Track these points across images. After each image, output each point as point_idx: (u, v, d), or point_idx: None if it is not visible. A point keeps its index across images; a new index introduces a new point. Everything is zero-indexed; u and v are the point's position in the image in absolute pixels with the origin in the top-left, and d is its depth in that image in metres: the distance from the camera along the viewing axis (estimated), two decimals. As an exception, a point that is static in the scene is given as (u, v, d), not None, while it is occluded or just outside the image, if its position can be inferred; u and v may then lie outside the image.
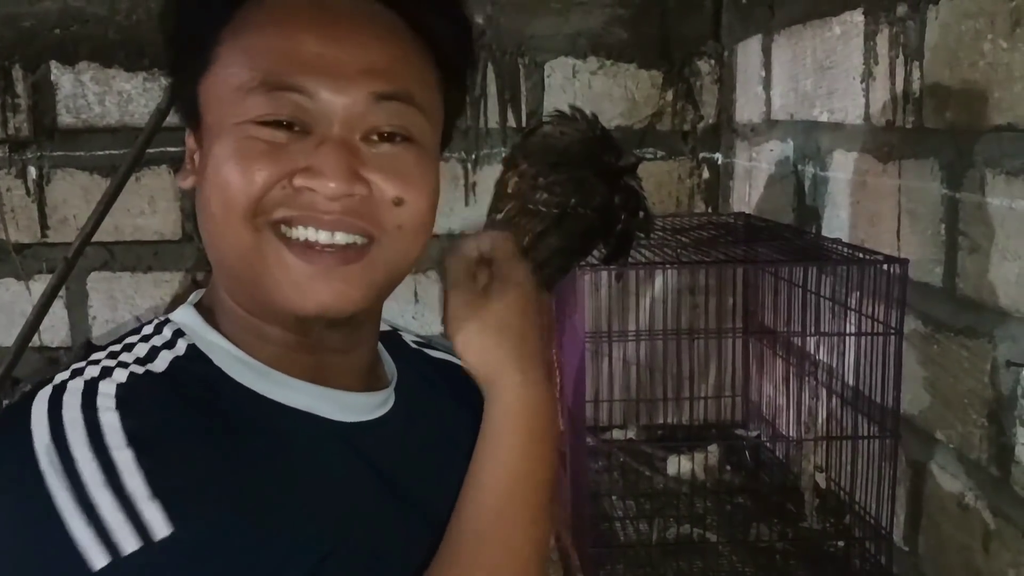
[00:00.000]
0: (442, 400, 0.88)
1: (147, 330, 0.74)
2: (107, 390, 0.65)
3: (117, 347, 0.72)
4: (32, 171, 1.86)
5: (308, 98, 0.67)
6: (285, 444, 0.72)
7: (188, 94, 0.72)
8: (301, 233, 0.68)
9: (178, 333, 0.74)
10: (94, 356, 0.71)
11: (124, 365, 0.69)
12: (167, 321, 0.75)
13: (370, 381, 0.80)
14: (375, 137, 0.69)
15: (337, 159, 0.67)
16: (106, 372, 0.67)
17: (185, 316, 0.75)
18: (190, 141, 0.75)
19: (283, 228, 0.68)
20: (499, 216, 1.19)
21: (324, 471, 0.73)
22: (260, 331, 0.74)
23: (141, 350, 0.72)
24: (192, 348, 0.73)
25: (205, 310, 0.76)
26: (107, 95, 1.85)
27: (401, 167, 0.70)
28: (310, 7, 0.70)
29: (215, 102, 0.70)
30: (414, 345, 0.93)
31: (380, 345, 0.84)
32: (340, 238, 0.68)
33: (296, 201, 0.67)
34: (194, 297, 0.78)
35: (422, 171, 0.71)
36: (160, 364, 0.71)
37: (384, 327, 0.87)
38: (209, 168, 0.69)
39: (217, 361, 0.73)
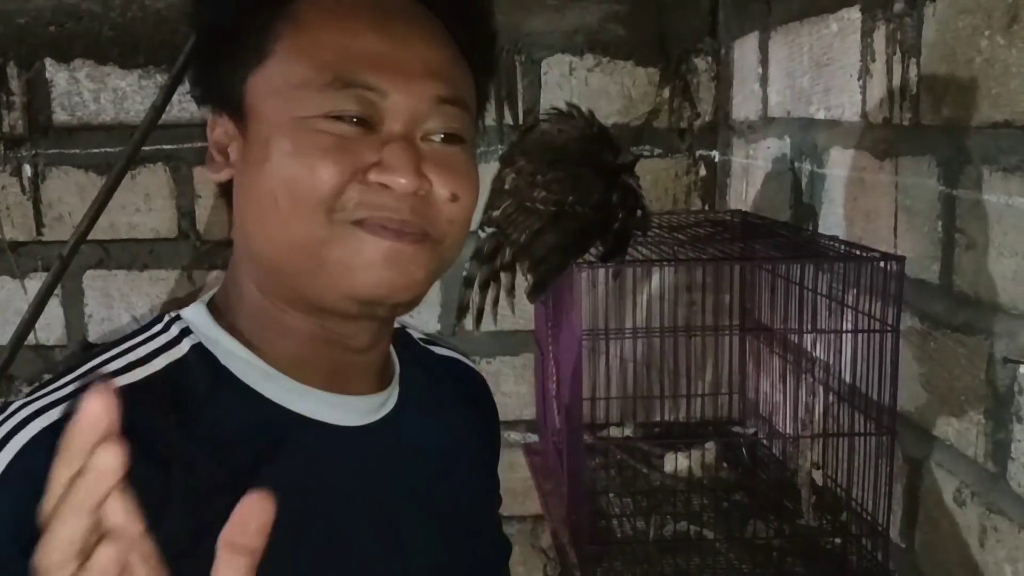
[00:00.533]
0: (447, 396, 0.89)
1: (156, 327, 0.75)
2: (22, 440, 0.63)
3: (116, 350, 0.72)
4: (27, 169, 1.85)
5: (379, 96, 0.69)
6: (285, 452, 0.72)
7: (233, 86, 0.72)
8: (372, 226, 0.69)
9: (185, 332, 0.74)
10: (79, 369, 0.70)
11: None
12: (177, 318, 0.75)
13: (380, 380, 0.80)
14: (434, 137, 0.72)
15: (406, 156, 0.69)
16: (58, 402, 0.66)
17: (196, 314, 0.75)
18: (219, 132, 0.74)
19: (358, 224, 0.69)
20: (496, 213, 1.20)
21: (326, 478, 0.73)
22: (284, 327, 0.74)
23: (140, 352, 0.72)
24: (196, 348, 0.73)
25: (217, 308, 0.76)
26: (102, 92, 1.84)
27: (455, 165, 0.73)
28: (371, 6, 0.72)
29: (274, 96, 0.70)
30: (421, 343, 0.93)
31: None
32: (405, 232, 0.70)
33: (372, 200, 0.69)
34: (206, 297, 0.78)
35: (471, 169, 0.75)
36: (156, 365, 0.70)
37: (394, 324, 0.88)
38: (272, 162, 0.69)
39: (223, 361, 0.72)
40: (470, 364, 0.98)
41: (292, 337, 0.74)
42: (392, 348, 0.85)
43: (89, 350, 0.78)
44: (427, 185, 0.71)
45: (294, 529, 0.69)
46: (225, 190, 0.76)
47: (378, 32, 0.70)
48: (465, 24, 0.77)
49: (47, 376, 0.78)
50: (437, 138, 0.72)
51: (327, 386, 0.75)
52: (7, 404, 0.68)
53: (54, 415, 0.65)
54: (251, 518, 0.50)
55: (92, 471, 0.44)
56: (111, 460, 0.44)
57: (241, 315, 0.75)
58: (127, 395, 0.66)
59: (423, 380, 0.86)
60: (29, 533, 0.60)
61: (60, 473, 0.45)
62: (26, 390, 0.71)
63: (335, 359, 0.75)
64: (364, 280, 0.70)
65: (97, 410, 0.44)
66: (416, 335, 0.94)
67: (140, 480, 0.60)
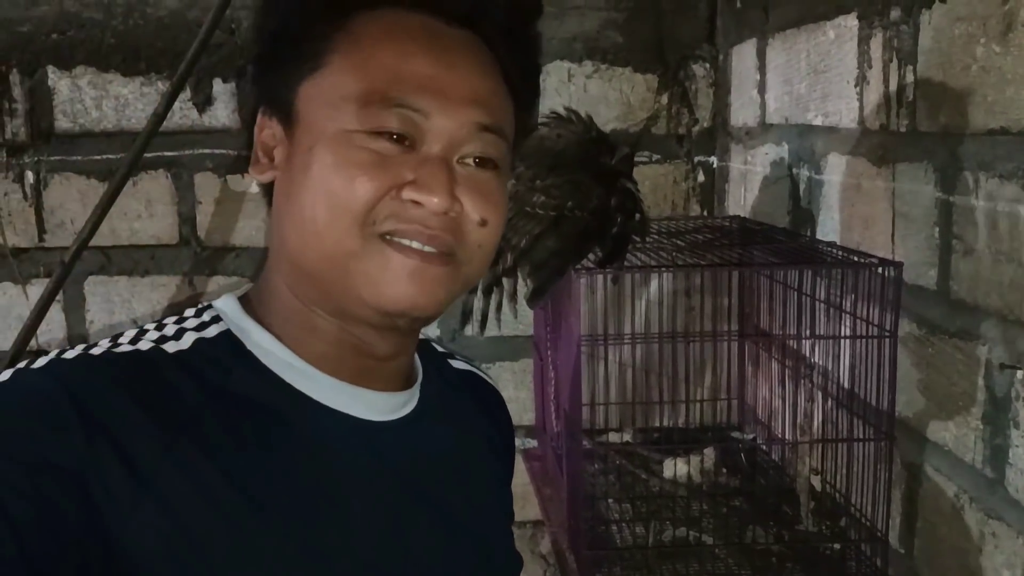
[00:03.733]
0: (465, 409, 0.90)
1: (188, 312, 0.78)
2: (61, 360, 0.68)
3: (150, 325, 0.76)
4: (29, 175, 1.86)
5: (423, 117, 0.72)
6: (301, 434, 0.73)
7: (286, 90, 0.74)
8: (403, 241, 0.72)
9: (215, 319, 0.76)
10: (125, 334, 0.75)
11: (133, 341, 0.73)
12: (209, 307, 0.78)
13: (402, 384, 0.82)
14: (469, 161, 0.74)
15: (442, 176, 0.72)
16: (100, 346, 0.71)
17: (226, 304, 0.78)
18: (267, 134, 0.77)
19: (387, 237, 0.72)
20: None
21: (341, 465, 0.75)
22: (313, 326, 0.76)
23: (170, 330, 0.75)
24: (225, 334, 0.75)
25: (249, 302, 0.78)
26: (104, 99, 1.85)
27: (487, 191, 0.75)
28: (425, 31, 0.75)
29: (323, 105, 0.72)
30: (442, 356, 0.94)
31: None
32: (433, 250, 0.73)
33: (403, 214, 0.71)
34: (240, 290, 0.80)
35: (502, 197, 0.77)
36: (185, 343, 0.74)
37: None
38: (313, 170, 0.72)
39: (249, 346, 0.74)
40: (488, 379, 0.98)
41: (319, 336, 0.76)
42: (417, 357, 0.86)
43: None
44: (459, 207, 0.73)
45: (302, 508, 0.70)
46: (267, 191, 0.78)
47: (428, 56, 0.73)
48: (514, 57, 0.79)
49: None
50: (473, 162, 0.75)
51: (349, 382, 0.76)
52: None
53: (83, 354, 0.70)
54: None
55: None
56: None
57: (272, 311, 0.77)
58: (158, 362, 0.69)
59: (443, 391, 0.87)
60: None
61: None
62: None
63: (359, 363, 0.77)
64: (388, 293, 0.72)
65: None
66: (439, 348, 0.94)
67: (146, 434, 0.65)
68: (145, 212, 1.88)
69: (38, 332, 1.76)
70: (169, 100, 1.68)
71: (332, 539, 0.72)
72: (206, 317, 0.77)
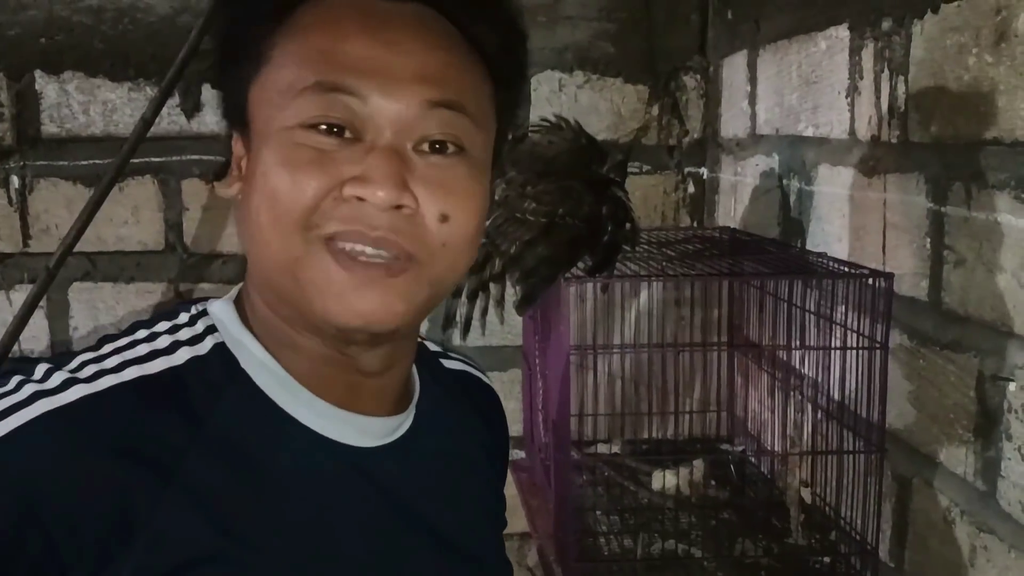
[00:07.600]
0: (458, 413, 0.86)
1: (182, 318, 0.73)
2: (24, 417, 0.62)
3: (142, 334, 0.71)
4: (15, 180, 1.85)
5: (360, 101, 0.66)
6: (291, 466, 0.70)
7: (239, 98, 0.70)
8: (347, 245, 0.66)
9: (210, 329, 0.72)
10: (106, 348, 0.69)
11: (117, 370, 0.67)
12: (204, 313, 0.73)
13: (397, 403, 0.78)
14: (425, 147, 0.67)
15: (387, 166, 0.65)
16: (68, 383, 0.65)
17: (223, 312, 0.74)
18: (238, 147, 0.73)
19: (332, 242, 0.66)
20: (486, 224, 1.19)
21: (333, 495, 0.72)
22: (294, 343, 0.71)
23: (164, 341, 0.70)
24: (219, 348, 0.71)
25: (241, 308, 0.74)
26: (92, 104, 1.84)
27: (449, 181, 0.68)
28: (363, 11, 0.69)
29: (265, 105, 0.68)
30: (435, 356, 0.91)
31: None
32: (384, 254, 0.66)
33: (346, 214, 0.65)
34: (233, 292, 0.76)
35: (470, 184, 0.69)
36: (179, 358, 0.69)
37: None
38: (258, 175, 0.67)
39: (244, 364, 0.71)
40: (482, 377, 0.94)
41: (303, 354, 0.71)
42: (415, 368, 0.82)
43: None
44: (412, 202, 0.66)
45: (293, 545, 0.68)
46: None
47: (366, 36, 0.67)
48: (481, 26, 0.72)
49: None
50: (431, 148, 0.68)
51: (342, 403, 0.72)
52: (24, 375, 0.66)
53: (60, 399, 0.64)
54: None
55: None
56: None
57: (258, 325, 0.73)
58: (145, 397, 0.66)
59: (437, 397, 0.83)
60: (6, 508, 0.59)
61: None
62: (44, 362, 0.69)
63: (346, 380, 0.73)
64: (336, 308, 0.66)
65: None
66: (431, 347, 0.91)
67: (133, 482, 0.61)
68: (132, 218, 1.87)
69: (21, 338, 1.74)
70: (157, 106, 1.66)
71: (326, 574, 0.70)
72: (200, 327, 0.72)
